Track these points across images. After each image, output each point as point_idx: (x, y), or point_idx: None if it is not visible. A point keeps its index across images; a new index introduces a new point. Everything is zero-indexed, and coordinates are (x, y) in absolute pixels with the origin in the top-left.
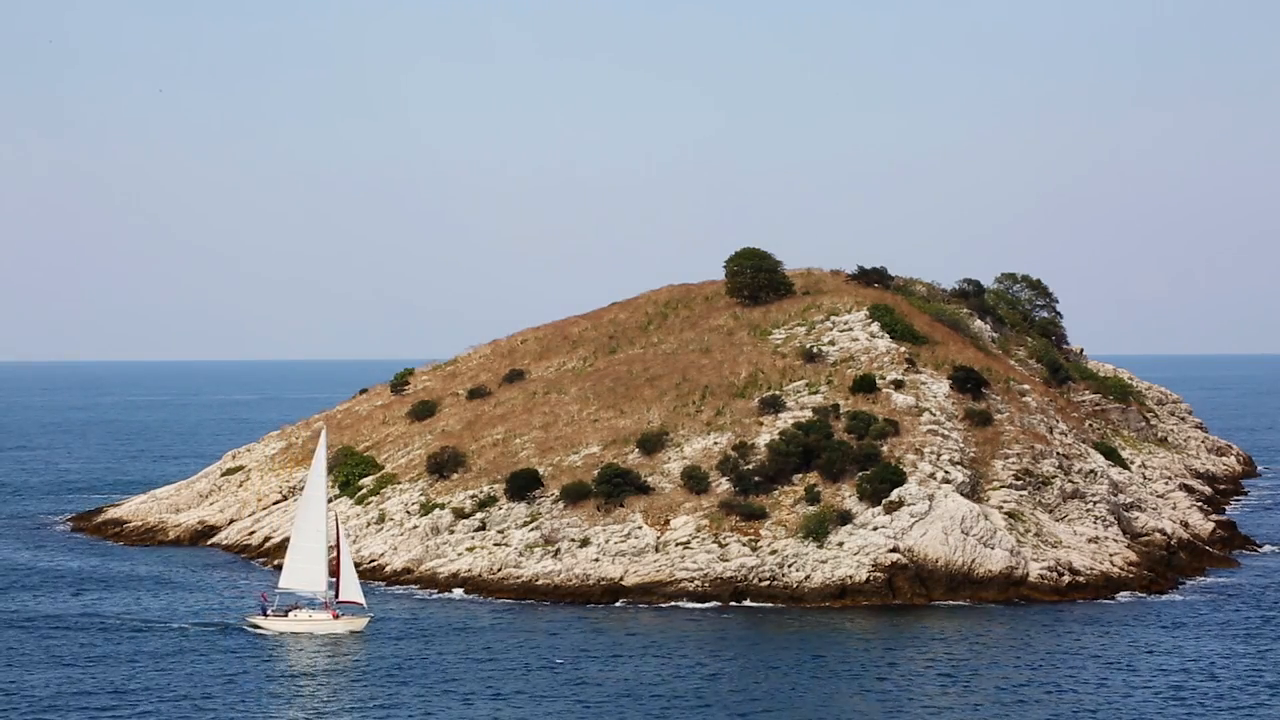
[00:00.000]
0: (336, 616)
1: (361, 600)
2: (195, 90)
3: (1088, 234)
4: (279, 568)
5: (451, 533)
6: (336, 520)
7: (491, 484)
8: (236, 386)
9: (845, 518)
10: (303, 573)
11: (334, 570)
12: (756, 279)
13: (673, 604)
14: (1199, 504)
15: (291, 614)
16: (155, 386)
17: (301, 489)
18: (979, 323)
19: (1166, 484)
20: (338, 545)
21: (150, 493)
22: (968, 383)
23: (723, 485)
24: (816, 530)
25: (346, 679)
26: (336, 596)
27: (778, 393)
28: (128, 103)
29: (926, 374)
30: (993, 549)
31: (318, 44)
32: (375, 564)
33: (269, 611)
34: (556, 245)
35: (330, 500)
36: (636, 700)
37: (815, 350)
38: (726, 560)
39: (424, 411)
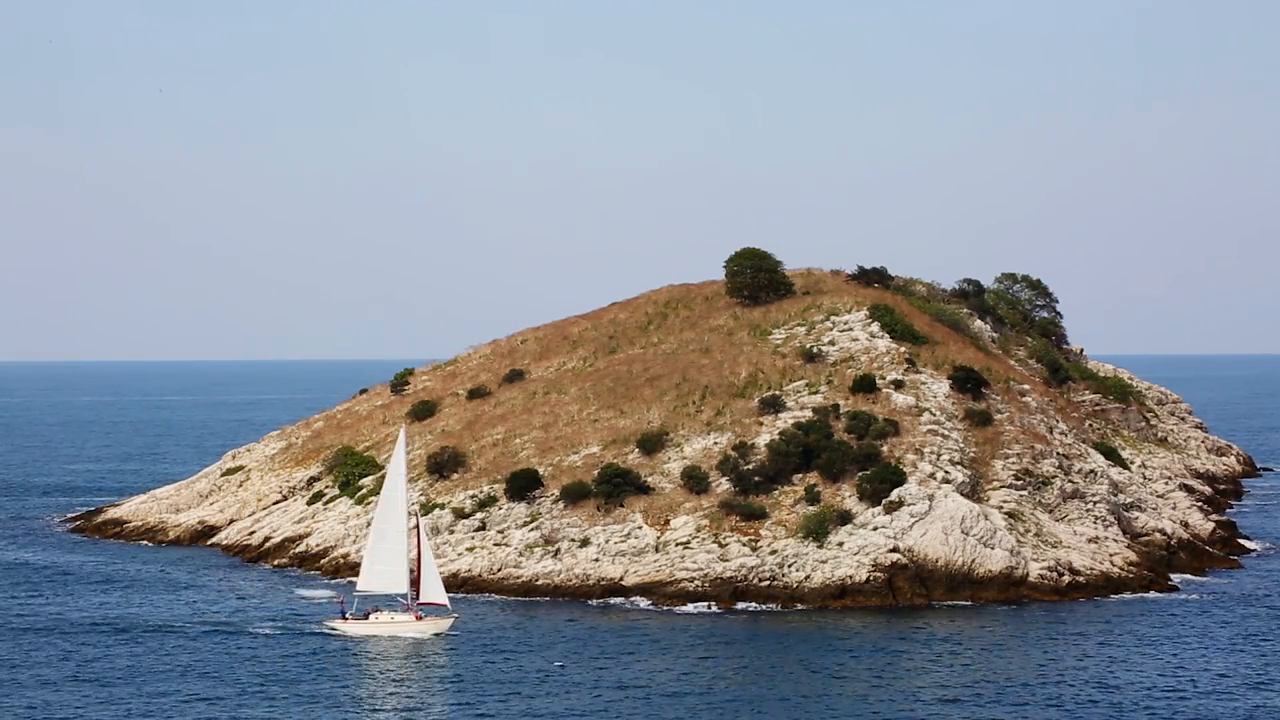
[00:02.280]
0: (419, 618)
1: (445, 601)
2: (195, 90)
3: (1088, 234)
4: (279, 568)
5: (451, 533)
6: (419, 520)
7: (491, 484)
8: (236, 386)
9: (845, 518)
10: (383, 574)
11: (415, 571)
12: (756, 279)
13: (672, 604)
14: (1199, 504)
15: (372, 616)
16: (155, 386)
17: (301, 489)
18: (979, 323)
19: (1166, 484)
20: (419, 546)
21: (150, 493)
22: (968, 383)
23: (723, 485)
24: (816, 530)
25: (342, 682)
26: (418, 597)
27: (778, 393)
28: (128, 103)
29: (926, 374)
30: (993, 549)
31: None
32: None
33: (348, 615)
34: (556, 245)
35: (410, 500)
36: (636, 700)
37: (815, 350)
38: (726, 560)
39: (424, 411)
